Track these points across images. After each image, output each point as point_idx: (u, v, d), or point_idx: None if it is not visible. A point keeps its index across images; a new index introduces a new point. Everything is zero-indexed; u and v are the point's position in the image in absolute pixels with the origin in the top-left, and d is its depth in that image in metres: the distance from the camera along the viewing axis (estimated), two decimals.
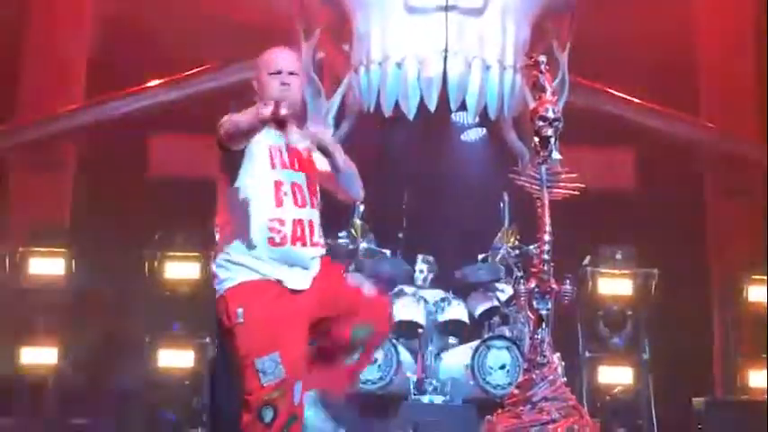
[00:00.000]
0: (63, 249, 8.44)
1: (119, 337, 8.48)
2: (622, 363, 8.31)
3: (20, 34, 9.27)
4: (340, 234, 7.70)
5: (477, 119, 8.07)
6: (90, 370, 8.45)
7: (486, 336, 7.59)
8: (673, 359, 8.48)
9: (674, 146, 9.50)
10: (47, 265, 8.43)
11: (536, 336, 4.25)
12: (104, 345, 8.55)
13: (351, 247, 7.67)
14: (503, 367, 7.32)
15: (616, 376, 8.29)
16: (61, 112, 9.35)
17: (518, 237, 7.85)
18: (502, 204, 7.97)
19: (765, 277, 8.47)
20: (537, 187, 4.28)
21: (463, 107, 7.74)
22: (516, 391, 4.27)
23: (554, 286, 4.23)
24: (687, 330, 8.86)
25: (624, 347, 8.40)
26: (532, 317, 7.53)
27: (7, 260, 8.39)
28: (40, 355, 8.26)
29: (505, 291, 7.83)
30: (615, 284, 8.52)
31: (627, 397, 8.23)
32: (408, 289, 7.81)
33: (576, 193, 4.32)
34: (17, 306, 8.38)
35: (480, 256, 7.99)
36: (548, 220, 4.24)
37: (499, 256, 7.86)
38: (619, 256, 8.55)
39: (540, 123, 4.24)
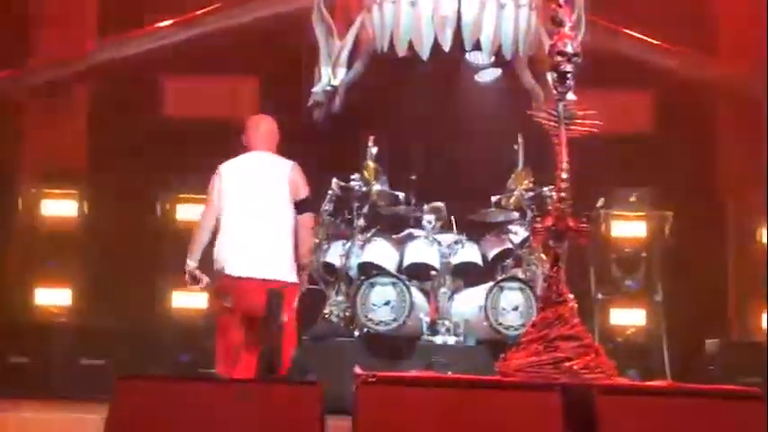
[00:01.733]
0: (75, 191, 8.46)
1: (132, 278, 8.51)
2: (635, 305, 8.32)
3: None
4: (353, 177, 7.65)
5: (491, 59, 7.98)
6: (104, 311, 8.51)
7: (499, 277, 7.59)
8: (686, 301, 8.48)
9: (690, 87, 9.37)
10: (60, 207, 8.45)
11: (552, 274, 4.22)
12: (118, 286, 8.58)
13: (363, 189, 7.62)
14: (516, 309, 7.31)
15: (629, 318, 8.30)
16: (74, 54, 9.29)
17: (532, 179, 7.79)
18: (516, 146, 7.91)
19: None
20: (554, 124, 4.21)
21: (477, 47, 7.65)
22: (531, 330, 4.25)
23: (571, 224, 4.18)
24: (701, 272, 8.83)
25: (637, 289, 8.40)
26: (545, 257, 7.60)
27: (20, 202, 8.41)
28: (53, 296, 8.32)
29: (519, 233, 7.80)
30: (629, 227, 8.50)
31: (639, 339, 8.25)
32: (419, 232, 7.79)
33: (593, 130, 4.26)
34: (30, 247, 8.42)
35: (494, 198, 7.94)
36: (565, 158, 4.18)
37: (513, 198, 7.81)
38: (633, 199, 8.51)
39: (559, 58, 4.16)
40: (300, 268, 5.38)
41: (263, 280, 5.16)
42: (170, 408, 3.24)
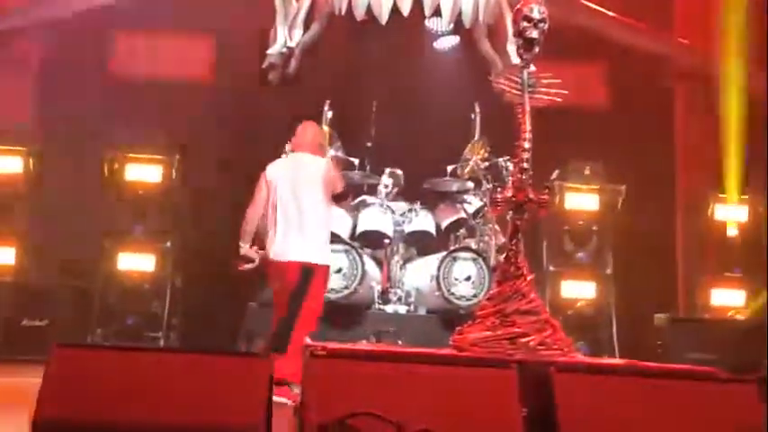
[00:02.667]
0: (22, 147, 8.23)
1: (78, 238, 8.30)
2: (586, 277, 8.32)
3: None
4: None
5: (451, 26, 7.87)
6: (48, 271, 8.30)
7: (452, 247, 7.53)
8: (636, 275, 8.50)
9: (646, 61, 9.34)
10: (5, 164, 8.22)
11: (511, 247, 4.10)
12: (63, 246, 8.37)
13: None
14: (468, 279, 7.28)
15: (579, 291, 8.30)
16: (15, 5, 8.99)
17: (488, 148, 7.72)
18: (473, 115, 7.83)
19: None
20: (518, 92, 4.09)
21: (437, 13, 7.54)
22: (487, 303, 4.15)
23: (531, 196, 4.07)
24: (652, 247, 8.86)
25: (588, 262, 8.40)
26: (499, 229, 7.55)
27: None
28: None
29: (473, 203, 7.75)
30: (582, 199, 8.48)
31: (589, 311, 8.25)
32: (373, 199, 7.70)
33: (558, 99, 4.14)
34: None
35: (449, 168, 7.86)
36: (528, 126, 4.05)
37: (468, 168, 7.75)
38: (587, 172, 8.48)
39: (525, 24, 4.02)
40: None
41: (298, 262, 5.95)
42: (108, 378, 3.11)
